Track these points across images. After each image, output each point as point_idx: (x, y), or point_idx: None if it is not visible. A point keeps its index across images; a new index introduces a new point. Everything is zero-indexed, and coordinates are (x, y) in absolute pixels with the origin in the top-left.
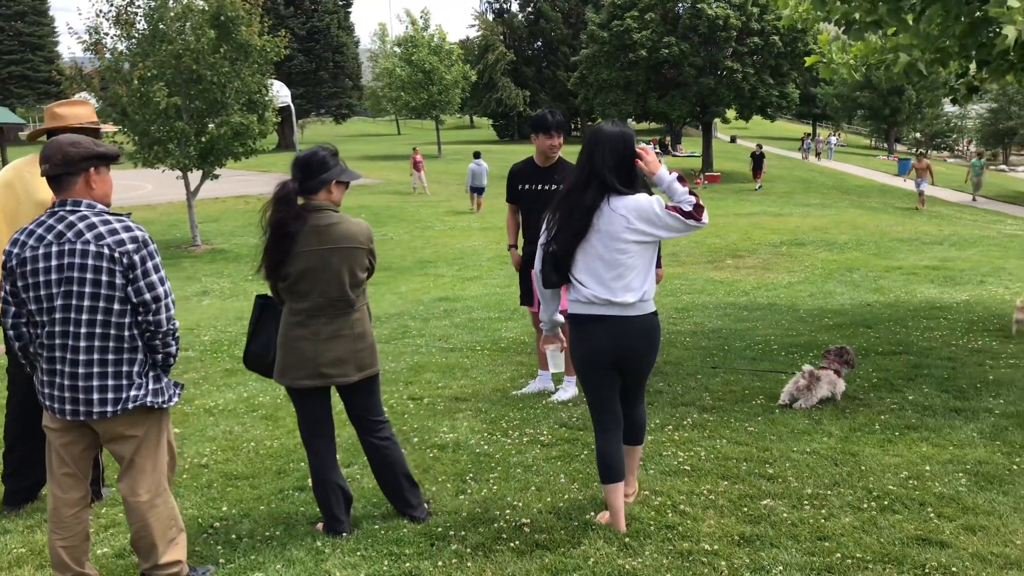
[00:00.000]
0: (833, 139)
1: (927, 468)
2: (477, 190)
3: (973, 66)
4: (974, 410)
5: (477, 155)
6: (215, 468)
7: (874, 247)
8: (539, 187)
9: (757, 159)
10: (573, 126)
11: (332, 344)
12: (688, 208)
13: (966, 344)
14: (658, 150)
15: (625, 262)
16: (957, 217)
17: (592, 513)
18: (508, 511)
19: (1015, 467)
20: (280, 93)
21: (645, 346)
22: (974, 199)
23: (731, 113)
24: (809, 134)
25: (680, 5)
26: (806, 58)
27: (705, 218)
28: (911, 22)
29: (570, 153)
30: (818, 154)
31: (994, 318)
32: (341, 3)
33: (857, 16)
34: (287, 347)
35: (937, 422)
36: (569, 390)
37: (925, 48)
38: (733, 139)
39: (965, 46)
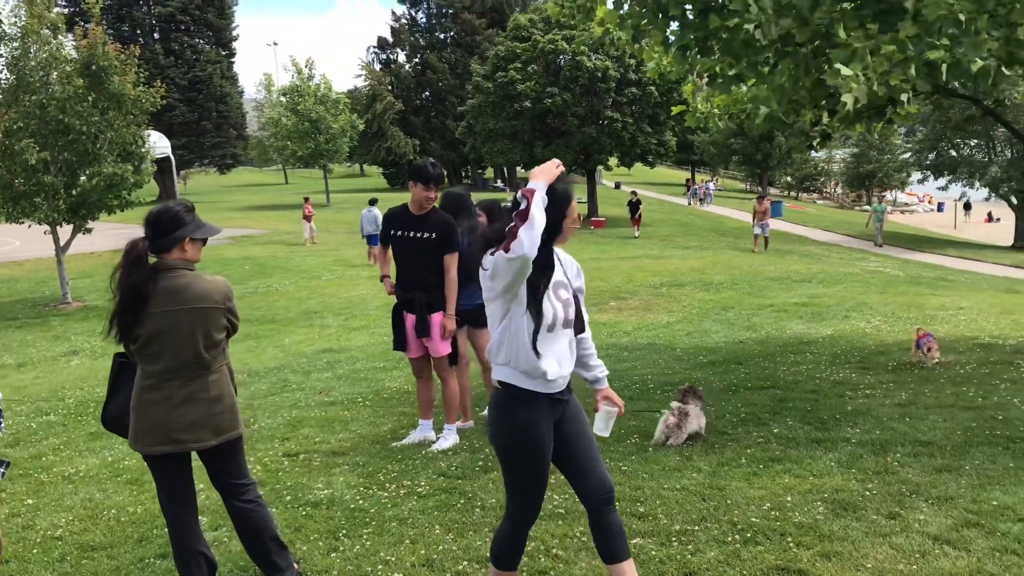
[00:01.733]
0: (711, 184)
1: (788, 499)
2: (370, 239)
3: (825, 115)
4: (833, 440)
5: (372, 202)
6: (70, 540)
7: (748, 286)
8: (411, 234)
9: (633, 206)
10: (464, 174)
11: (187, 408)
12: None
13: (829, 377)
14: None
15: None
16: (825, 256)
17: (466, 563)
18: (381, 567)
19: (868, 492)
20: (159, 144)
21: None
22: (879, 244)
23: (613, 160)
24: (690, 179)
25: (561, 57)
26: (673, 108)
27: (515, 247)
28: (767, 75)
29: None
30: (702, 199)
31: (855, 351)
32: (224, 53)
33: (718, 69)
34: (139, 412)
35: (799, 453)
36: (450, 438)
37: (780, 99)
38: (617, 185)
39: (815, 98)
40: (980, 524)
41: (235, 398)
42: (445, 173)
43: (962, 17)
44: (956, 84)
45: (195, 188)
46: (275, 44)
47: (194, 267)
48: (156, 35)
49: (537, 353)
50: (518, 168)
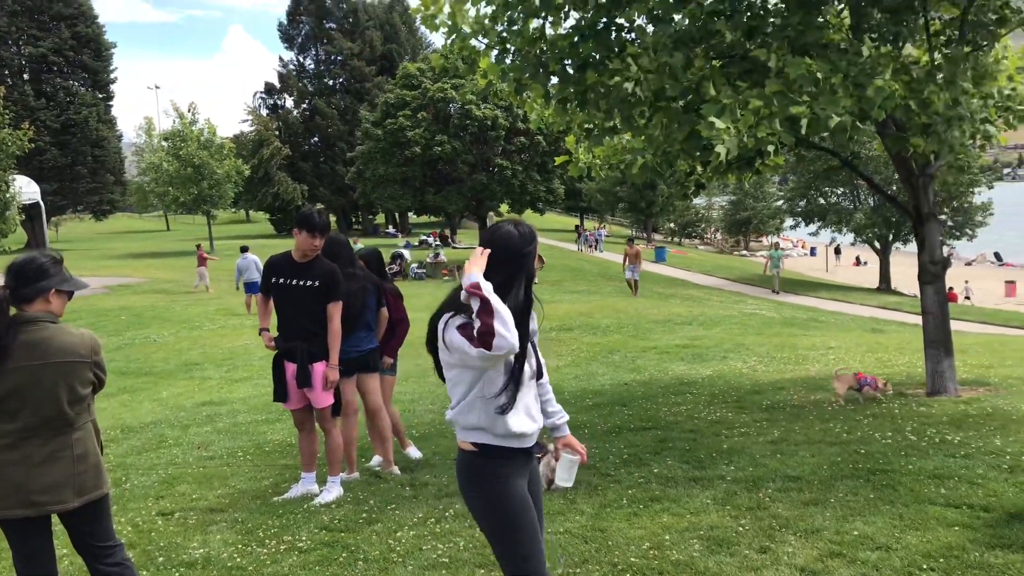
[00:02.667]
0: (603, 231)
1: (667, 537)
2: (249, 286)
3: (699, 166)
4: (710, 478)
5: (244, 249)
6: None
7: (633, 329)
8: (293, 282)
9: None
10: (354, 219)
11: (47, 468)
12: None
13: (707, 416)
14: (438, 242)
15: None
16: (706, 299)
17: None
18: None
19: (741, 528)
20: (27, 189)
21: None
22: (776, 291)
23: (504, 207)
24: (579, 226)
25: (451, 106)
26: (556, 157)
27: (499, 343)
28: (643, 128)
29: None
30: (591, 246)
31: (732, 391)
32: (101, 96)
33: (596, 122)
34: None
35: (678, 492)
36: (333, 491)
37: (655, 151)
38: None
39: (688, 149)
40: (843, 554)
41: (100, 456)
42: (331, 221)
43: (820, 76)
44: (818, 138)
45: (68, 235)
46: (157, 87)
47: (58, 320)
48: (26, 76)
49: (513, 413)
50: (409, 214)
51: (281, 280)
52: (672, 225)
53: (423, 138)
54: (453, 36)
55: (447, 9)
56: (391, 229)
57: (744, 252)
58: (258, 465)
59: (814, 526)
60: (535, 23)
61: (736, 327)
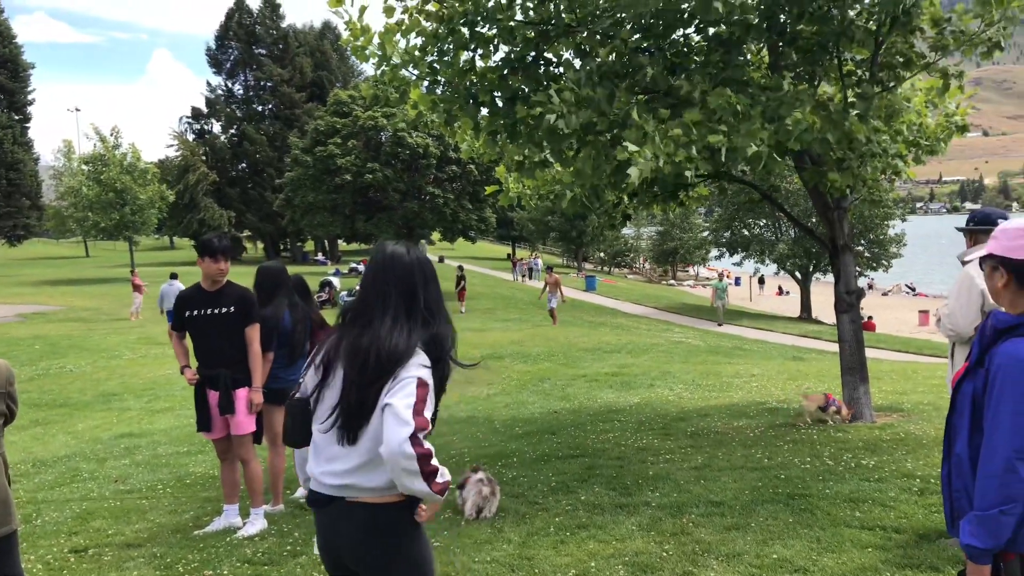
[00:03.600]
0: (538, 260)
1: (592, 564)
2: (171, 314)
3: (626, 197)
4: (636, 504)
5: (174, 276)
6: None
7: (563, 357)
8: (208, 311)
9: (458, 280)
10: (282, 247)
11: None
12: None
13: (634, 443)
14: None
15: None
16: (634, 327)
17: None
18: None
19: (665, 553)
20: None
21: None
22: (720, 323)
23: (436, 235)
24: (511, 254)
25: (382, 134)
26: (487, 187)
27: (445, 476)
28: (570, 160)
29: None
30: (524, 276)
31: (659, 418)
32: (17, 118)
33: (526, 154)
34: None
35: (604, 519)
36: (256, 524)
37: (583, 184)
38: (441, 259)
39: (614, 183)
40: None
41: (8, 491)
42: (232, 244)
43: (740, 107)
44: (739, 171)
45: None
46: (77, 110)
47: None
48: None
49: None
50: (339, 241)
51: (195, 312)
52: (602, 255)
53: (354, 165)
54: (383, 67)
55: (377, 40)
56: (320, 256)
57: (672, 281)
58: (179, 498)
59: (735, 550)
60: (465, 55)
61: (663, 355)
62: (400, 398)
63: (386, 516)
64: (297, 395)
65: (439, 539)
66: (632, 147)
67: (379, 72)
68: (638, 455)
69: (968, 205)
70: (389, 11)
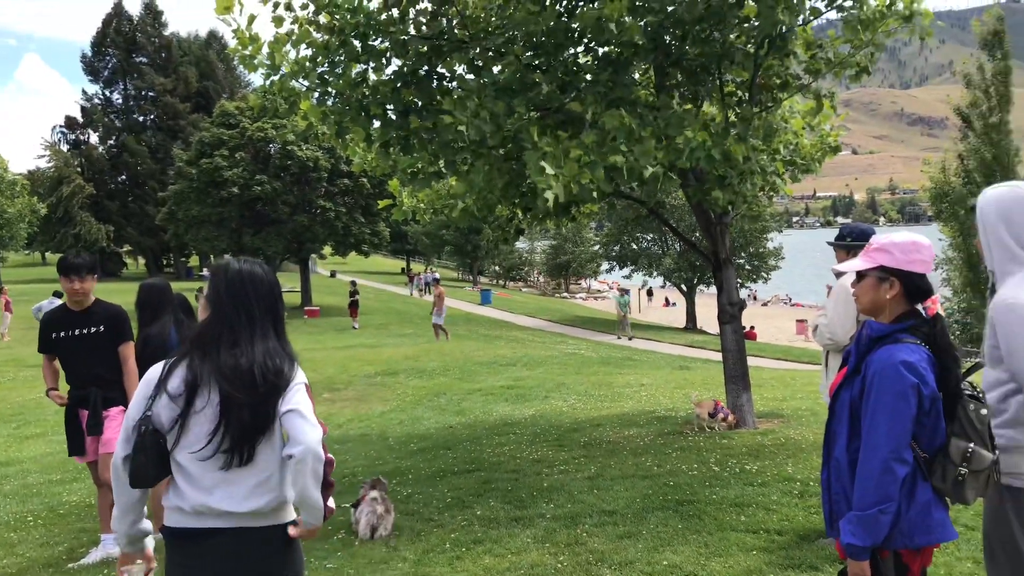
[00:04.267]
0: (435, 275)
1: None
2: None
3: (519, 211)
4: (531, 517)
5: (58, 295)
6: None
7: (459, 372)
8: (75, 332)
9: (351, 295)
10: (165, 262)
11: None
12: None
13: (529, 456)
14: None
15: None
16: (529, 340)
17: None
18: None
19: (560, 565)
20: None
21: None
22: (630, 338)
23: (327, 249)
24: (406, 268)
25: (271, 146)
26: (380, 201)
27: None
28: (465, 173)
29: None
30: (422, 290)
31: (553, 429)
32: None
33: (419, 166)
34: None
35: (500, 533)
36: (102, 551)
37: (475, 197)
38: (333, 274)
39: (508, 196)
40: None
41: None
42: (92, 262)
43: (633, 127)
44: (632, 188)
45: None
46: None
47: None
48: None
49: None
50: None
51: (62, 334)
52: (497, 268)
53: (241, 178)
54: (272, 77)
55: (266, 50)
56: (205, 272)
57: (565, 294)
58: (51, 530)
59: (627, 558)
60: (357, 67)
61: (557, 367)
62: (302, 403)
63: (283, 538)
64: (150, 428)
65: (332, 561)
66: (548, 169)
67: (268, 83)
68: (533, 467)
69: (840, 219)
70: (278, 21)
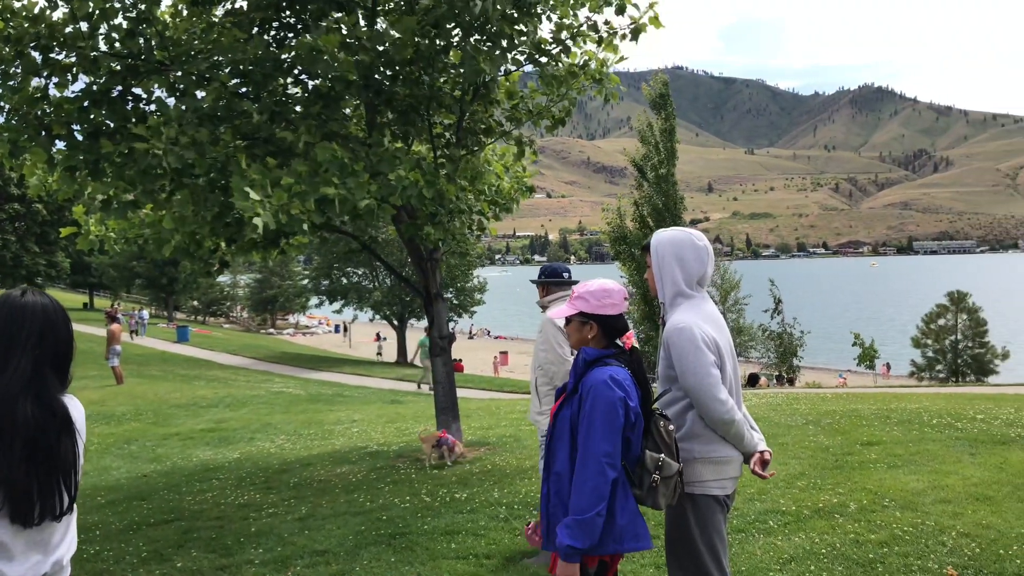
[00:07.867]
0: (145, 314)
1: None
2: None
3: (224, 243)
4: (238, 564)
5: None
6: None
7: (153, 416)
8: None
9: None
10: None
11: None
12: None
13: (234, 501)
14: None
15: None
16: (232, 379)
17: None
18: None
19: None
20: None
21: None
22: (430, 387)
23: None
24: (87, 303)
25: None
26: (62, 228)
27: None
28: (163, 203)
29: None
30: (132, 331)
31: (260, 472)
32: None
33: (112, 193)
34: None
35: None
36: None
37: (182, 229)
38: None
39: (215, 228)
40: None
41: None
42: None
43: (347, 161)
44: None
45: None
46: None
47: None
48: None
49: None
50: None
51: None
52: (196, 303)
53: None
54: None
55: None
56: None
57: (272, 330)
58: None
59: None
60: (36, 82)
61: (264, 406)
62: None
63: None
64: None
65: None
66: (253, 195)
67: None
68: (239, 512)
69: (537, 257)
70: None
